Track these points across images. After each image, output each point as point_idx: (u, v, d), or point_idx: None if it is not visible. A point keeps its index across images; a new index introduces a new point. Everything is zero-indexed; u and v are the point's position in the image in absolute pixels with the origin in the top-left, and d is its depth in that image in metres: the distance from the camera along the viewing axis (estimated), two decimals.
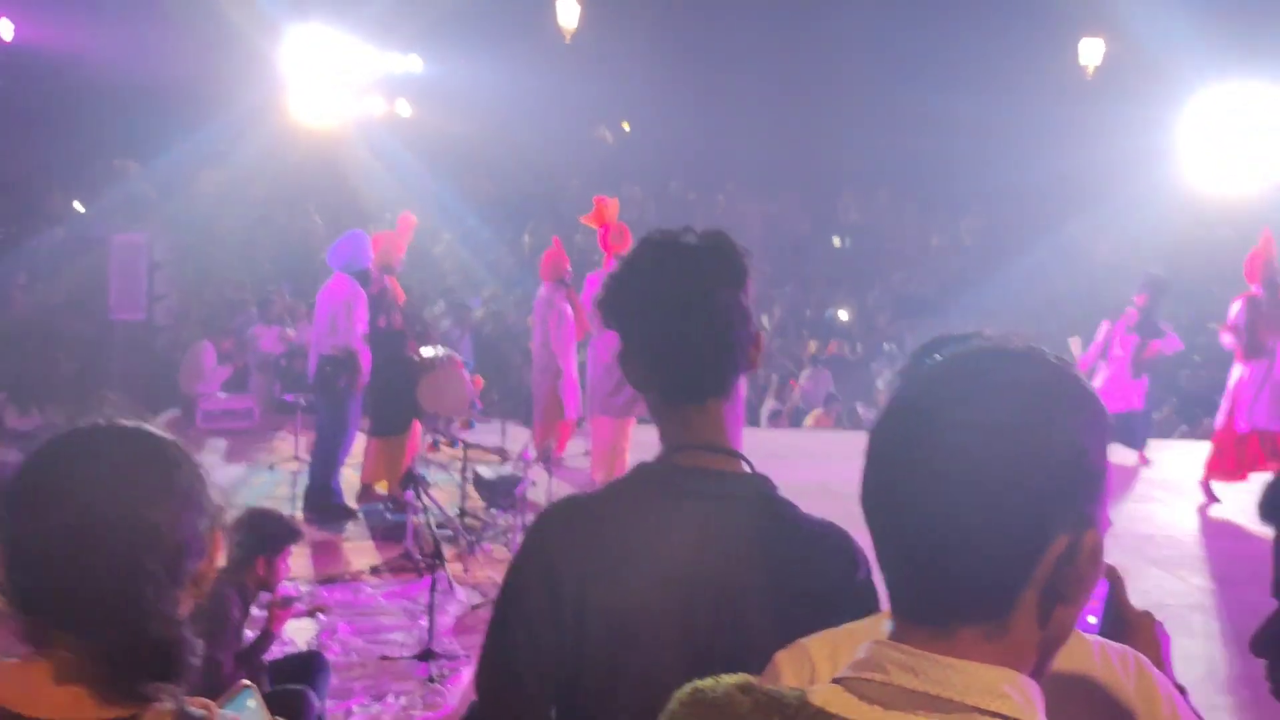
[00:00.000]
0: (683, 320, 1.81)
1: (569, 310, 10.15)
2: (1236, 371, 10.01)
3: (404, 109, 22.69)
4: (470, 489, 8.43)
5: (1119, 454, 12.11)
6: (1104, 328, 11.88)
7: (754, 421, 13.57)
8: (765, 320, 17.91)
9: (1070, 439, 1.05)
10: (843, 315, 17.90)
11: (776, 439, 12.23)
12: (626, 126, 28.21)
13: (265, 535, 4.66)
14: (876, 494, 1.10)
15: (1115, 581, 1.60)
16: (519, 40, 23.48)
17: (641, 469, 1.88)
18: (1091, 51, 23.53)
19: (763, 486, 1.84)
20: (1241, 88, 20.32)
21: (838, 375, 15.89)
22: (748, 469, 1.86)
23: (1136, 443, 11.66)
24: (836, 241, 22.84)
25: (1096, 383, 10.48)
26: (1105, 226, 20.09)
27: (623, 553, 1.79)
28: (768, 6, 25.18)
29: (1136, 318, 11.48)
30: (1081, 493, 1.06)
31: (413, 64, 22.06)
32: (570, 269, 10.32)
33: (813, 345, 16.54)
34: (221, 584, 4.36)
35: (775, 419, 13.52)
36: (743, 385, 1.91)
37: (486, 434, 10.85)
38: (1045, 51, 23.84)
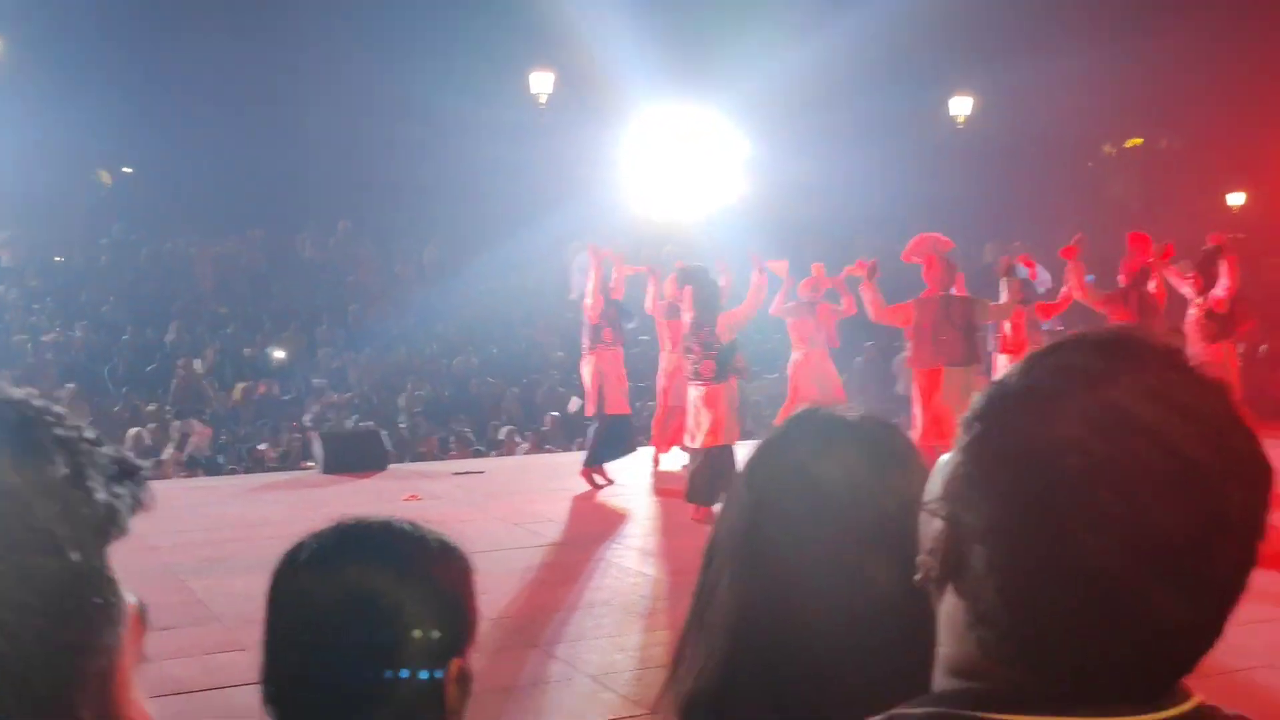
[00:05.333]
0: None
1: None
2: None
3: None
4: None
5: None
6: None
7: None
8: (198, 364, 16.78)
9: None
10: (279, 354, 17.08)
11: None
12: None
13: None
14: None
15: None
16: None
17: None
18: (542, 82, 24.14)
19: None
20: (677, 110, 21.36)
21: (266, 416, 15.12)
22: None
23: None
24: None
25: None
26: (556, 244, 20.50)
27: None
28: (214, 40, 24.08)
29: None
30: None
31: None
32: None
33: (239, 388, 15.60)
34: None
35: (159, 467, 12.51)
36: None
37: None
38: (499, 81, 24.23)
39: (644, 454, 11.94)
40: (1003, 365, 11.03)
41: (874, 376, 16.46)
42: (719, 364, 9.38)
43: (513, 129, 23.07)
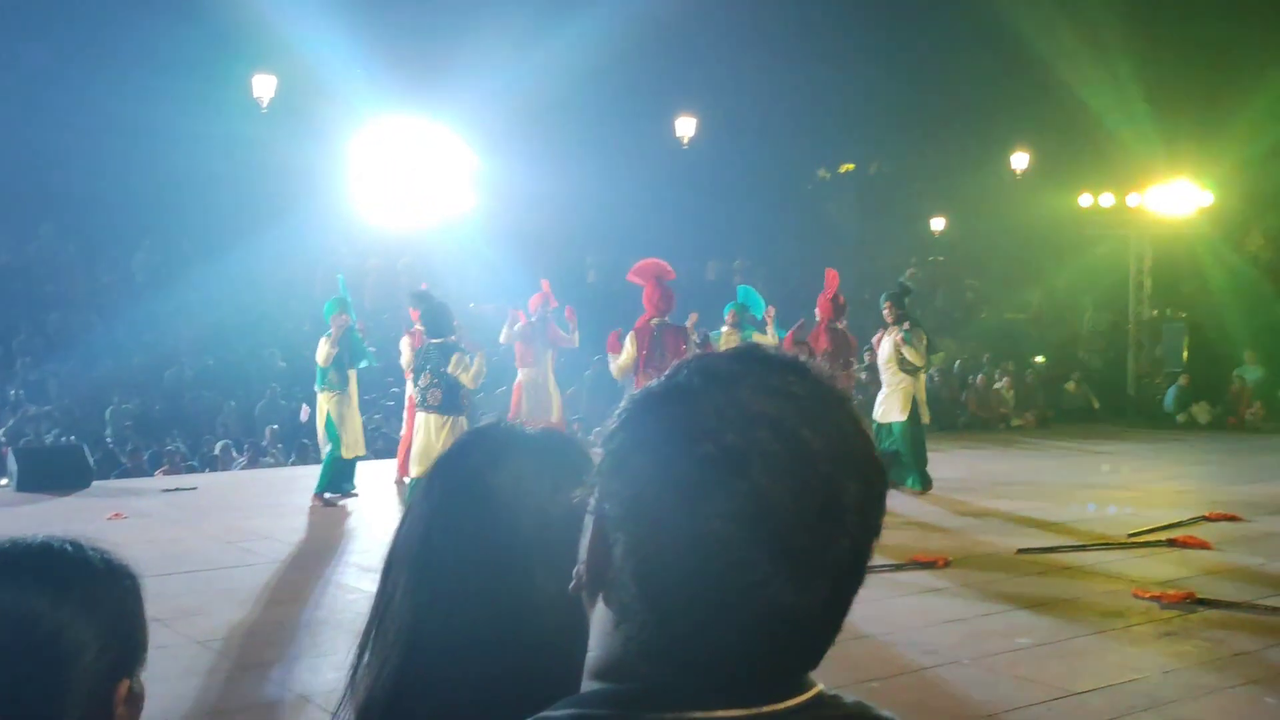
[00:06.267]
0: None
1: None
2: None
3: None
4: None
5: None
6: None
7: None
8: None
9: None
10: None
11: None
12: None
13: None
14: None
15: None
16: None
17: None
18: (264, 86, 23.38)
19: None
20: (403, 122, 21.03)
21: None
22: None
23: None
24: None
25: None
26: (278, 254, 19.86)
27: None
28: None
29: None
30: None
31: None
32: None
33: None
34: None
35: None
36: None
37: None
38: (220, 89, 23.25)
39: (376, 471, 11.73)
40: None
41: (601, 390, 16.69)
42: (445, 393, 9.36)
43: (235, 137, 22.21)
